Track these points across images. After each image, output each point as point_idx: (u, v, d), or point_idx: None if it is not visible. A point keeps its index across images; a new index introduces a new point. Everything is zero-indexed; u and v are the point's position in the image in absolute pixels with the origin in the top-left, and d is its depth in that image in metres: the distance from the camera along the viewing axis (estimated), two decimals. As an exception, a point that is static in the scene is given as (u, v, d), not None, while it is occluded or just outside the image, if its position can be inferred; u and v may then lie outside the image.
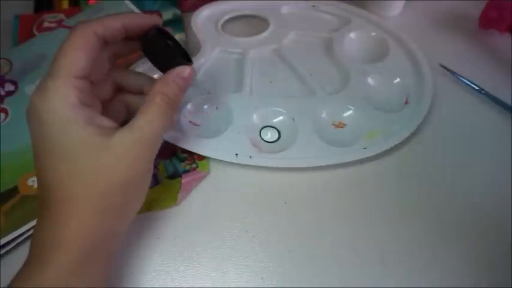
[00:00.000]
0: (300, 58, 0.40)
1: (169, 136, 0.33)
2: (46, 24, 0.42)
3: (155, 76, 0.33)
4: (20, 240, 0.30)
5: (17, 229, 0.29)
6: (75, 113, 0.23)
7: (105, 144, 0.23)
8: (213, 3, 0.45)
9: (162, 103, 0.25)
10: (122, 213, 0.25)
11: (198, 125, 0.36)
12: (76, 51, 0.24)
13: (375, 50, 0.41)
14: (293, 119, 0.35)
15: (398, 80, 0.39)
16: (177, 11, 0.44)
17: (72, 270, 0.23)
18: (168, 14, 0.43)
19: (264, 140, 0.35)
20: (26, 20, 0.42)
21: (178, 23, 0.43)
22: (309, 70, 0.39)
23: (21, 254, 0.24)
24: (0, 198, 0.31)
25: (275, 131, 0.36)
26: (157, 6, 0.44)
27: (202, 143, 0.34)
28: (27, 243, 0.24)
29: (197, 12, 0.44)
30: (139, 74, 0.30)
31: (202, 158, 0.34)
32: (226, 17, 0.44)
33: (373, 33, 0.42)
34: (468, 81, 0.39)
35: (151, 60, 0.28)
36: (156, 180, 0.33)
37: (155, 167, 0.33)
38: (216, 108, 0.37)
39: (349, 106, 0.36)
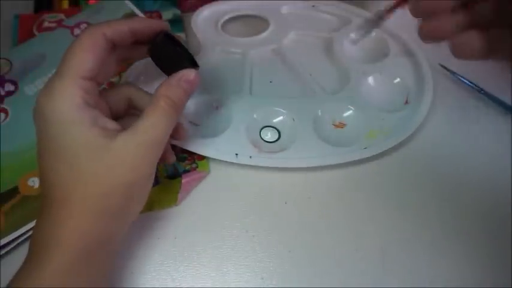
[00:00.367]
0: (299, 58, 0.40)
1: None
2: (46, 24, 0.42)
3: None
4: (20, 240, 0.30)
5: (17, 229, 0.29)
6: (79, 113, 0.23)
7: (108, 146, 0.23)
8: (213, 3, 0.44)
9: (166, 106, 0.25)
10: (122, 215, 0.25)
11: (198, 125, 0.36)
12: (84, 53, 0.25)
13: (375, 50, 0.41)
14: (293, 119, 0.35)
15: (398, 80, 0.39)
16: (177, 11, 0.44)
17: (70, 270, 0.23)
18: (168, 14, 0.43)
19: (264, 140, 0.35)
20: (26, 20, 0.42)
21: (178, 23, 0.43)
22: (309, 70, 0.39)
23: (22, 254, 0.24)
24: (0, 199, 0.31)
25: (275, 131, 0.36)
26: (157, 6, 0.44)
27: (202, 143, 0.34)
28: (28, 244, 0.24)
29: (197, 12, 0.44)
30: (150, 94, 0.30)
31: (202, 158, 0.34)
32: (226, 17, 0.44)
33: (373, 33, 0.42)
34: (468, 81, 0.39)
35: (158, 65, 0.28)
36: (156, 180, 0.33)
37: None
38: (216, 108, 0.37)
39: (349, 106, 0.36)
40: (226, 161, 0.33)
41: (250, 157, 0.33)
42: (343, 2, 0.45)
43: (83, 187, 0.23)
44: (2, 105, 0.35)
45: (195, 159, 0.34)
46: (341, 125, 0.36)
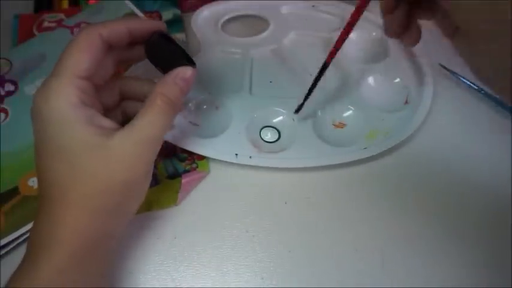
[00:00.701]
0: (300, 58, 0.40)
1: (169, 136, 0.33)
2: (46, 24, 0.42)
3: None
4: (20, 240, 0.30)
5: (17, 230, 0.29)
6: (76, 112, 0.23)
7: (105, 144, 0.23)
8: (213, 3, 0.44)
9: (163, 104, 0.25)
10: (119, 213, 0.25)
11: (198, 125, 0.36)
12: (81, 53, 0.25)
13: (375, 50, 0.41)
14: (293, 119, 0.35)
15: (398, 80, 0.39)
16: (177, 11, 0.44)
17: (67, 269, 0.23)
18: (168, 14, 0.43)
19: (264, 140, 0.35)
20: (26, 19, 0.42)
21: (178, 23, 0.43)
22: (309, 70, 0.39)
23: (22, 255, 0.24)
24: (0, 199, 0.31)
25: (275, 131, 0.36)
26: (157, 6, 0.44)
27: (202, 143, 0.34)
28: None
29: (197, 12, 0.44)
30: (144, 80, 0.30)
31: (202, 158, 0.34)
32: (226, 17, 0.44)
33: (374, 33, 0.42)
34: (468, 81, 0.39)
35: (154, 64, 0.28)
36: (155, 180, 0.33)
37: (155, 167, 0.33)
38: (216, 108, 0.37)
39: (349, 106, 0.36)
40: (226, 161, 0.33)
41: (250, 157, 0.33)
42: (343, 2, 0.45)
43: (80, 185, 0.23)
44: (2, 105, 0.35)
45: (195, 159, 0.34)
46: (341, 125, 0.36)
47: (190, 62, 0.28)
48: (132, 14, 0.41)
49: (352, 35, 0.42)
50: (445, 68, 0.40)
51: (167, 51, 0.28)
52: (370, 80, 0.39)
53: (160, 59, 0.28)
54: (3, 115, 0.34)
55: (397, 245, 0.31)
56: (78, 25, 0.40)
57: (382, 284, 0.29)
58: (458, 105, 0.39)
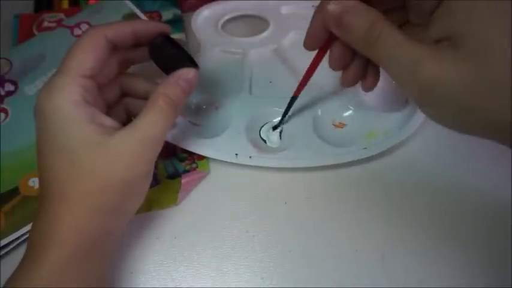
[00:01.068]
0: (300, 58, 0.40)
1: (169, 136, 0.33)
2: (46, 24, 0.42)
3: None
4: (20, 241, 0.30)
5: (17, 230, 0.29)
6: (78, 110, 0.24)
7: (105, 143, 0.23)
8: (213, 3, 0.44)
9: (164, 105, 0.25)
10: (119, 212, 0.25)
11: (198, 125, 0.36)
12: (85, 52, 0.25)
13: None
14: (293, 119, 0.35)
15: (398, 80, 0.39)
16: (177, 11, 0.44)
17: (67, 268, 0.23)
18: (168, 14, 0.43)
19: (264, 140, 0.35)
20: (26, 19, 0.42)
21: (178, 23, 0.43)
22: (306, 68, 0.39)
23: (22, 255, 0.24)
24: (0, 199, 0.31)
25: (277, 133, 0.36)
26: (157, 6, 0.44)
27: (202, 143, 0.34)
28: (28, 244, 0.24)
29: (197, 12, 0.44)
30: (145, 79, 0.31)
31: (202, 158, 0.34)
32: (226, 17, 0.44)
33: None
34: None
35: (158, 65, 0.28)
36: (155, 180, 0.33)
37: (155, 167, 0.33)
38: (216, 108, 0.37)
39: (349, 106, 0.36)
40: (226, 161, 0.33)
41: (250, 157, 0.33)
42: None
43: (80, 183, 0.23)
44: (2, 105, 0.35)
45: (195, 159, 0.34)
46: (341, 125, 0.36)
47: (193, 64, 0.28)
48: (132, 14, 0.41)
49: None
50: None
51: (171, 53, 0.28)
52: (370, 80, 0.39)
53: (164, 60, 0.28)
54: (3, 115, 0.34)
55: (396, 245, 0.31)
56: (78, 25, 0.40)
57: (381, 284, 0.29)
58: (458, 105, 0.38)
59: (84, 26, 0.40)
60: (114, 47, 0.27)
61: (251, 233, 0.31)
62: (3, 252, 0.29)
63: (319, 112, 0.36)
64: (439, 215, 0.32)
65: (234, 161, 0.33)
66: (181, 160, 0.34)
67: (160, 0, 0.44)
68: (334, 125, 0.36)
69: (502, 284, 0.29)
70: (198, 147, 0.33)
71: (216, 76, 0.39)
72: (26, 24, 0.42)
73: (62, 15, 0.42)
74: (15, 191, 0.31)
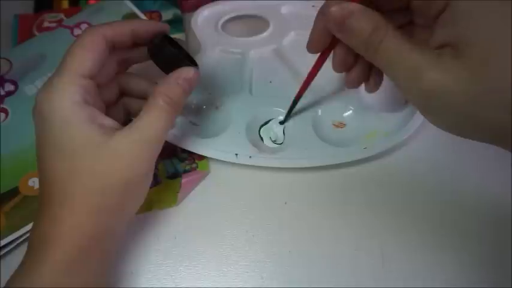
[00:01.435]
0: (300, 58, 0.40)
1: (169, 136, 0.33)
2: (46, 24, 0.42)
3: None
4: (20, 241, 0.30)
5: (17, 230, 0.29)
6: (77, 110, 0.23)
7: (105, 143, 0.23)
8: (213, 3, 0.44)
9: (164, 104, 0.25)
10: (119, 212, 0.25)
11: (198, 125, 0.36)
12: (84, 52, 0.25)
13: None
14: (293, 119, 0.35)
15: (398, 80, 0.39)
16: (177, 11, 0.44)
17: (67, 269, 0.23)
18: (168, 14, 0.43)
19: (263, 140, 0.35)
20: (26, 19, 0.42)
21: (178, 23, 0.43)
22: (309, 70, 0.39)
23: (22, 255, 0.24)
24: (0, 199, 0.31)
25: (278, 131, 0.36)
26: (157, 6, 0.44)
27: (202, 143, 0.34)
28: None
29: (197, 12, 0.44)
30: (144, 78, 0.31)
31: (202, 158, 0.34)
32: (226, 17, 0.44)
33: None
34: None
35: (158, 65, 0.28)
36: (156, 180, 0.33)
37: (155, 167, 0.33)
38: (216, 108, 0.37)
39: (349, 106, 0.36)
40: (226, 161, 0.33)
41: (250, 157, 0.33)
42: (343, 2, 0.45)
43: (80, 183, 0.23)
44: (2, 105, 0.35)
45: (195, 159, 0.34)
46: (341, 125, 0.36)
47: (193, 64, 0.28)
48: (132, 14, 0.41)
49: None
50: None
51: (170, 53, 0.28)
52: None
53: (163, 60, 0.28)
54: (3, 115, 0.34)
55: (397, 244, 0.31)
56: (78, 25, 0.40)
57: (382, 284, 0.29)
58: (458, 105, 0.38)
59: (84, 26, 0.40)
60: (113, 47, 0.27)
61: (251, 233, 0.31)
62: (3, 252, 0.29)
63: (319, 112, 0.36)
64: (439, 215, 0.32)
65: (234, 161, 0.33)
66: (182, 160, 0.34)
67: (160, 0, 0.44)
68: (334, 125, 0.36)
69: (502, 284, 0.29)
70: (198, 147, 0.33)
71: (216, 76, 0.39)
72: (26, 24, 0.42)
73: (62, 15, 0.42)
74: (15, 191, 0.31)
